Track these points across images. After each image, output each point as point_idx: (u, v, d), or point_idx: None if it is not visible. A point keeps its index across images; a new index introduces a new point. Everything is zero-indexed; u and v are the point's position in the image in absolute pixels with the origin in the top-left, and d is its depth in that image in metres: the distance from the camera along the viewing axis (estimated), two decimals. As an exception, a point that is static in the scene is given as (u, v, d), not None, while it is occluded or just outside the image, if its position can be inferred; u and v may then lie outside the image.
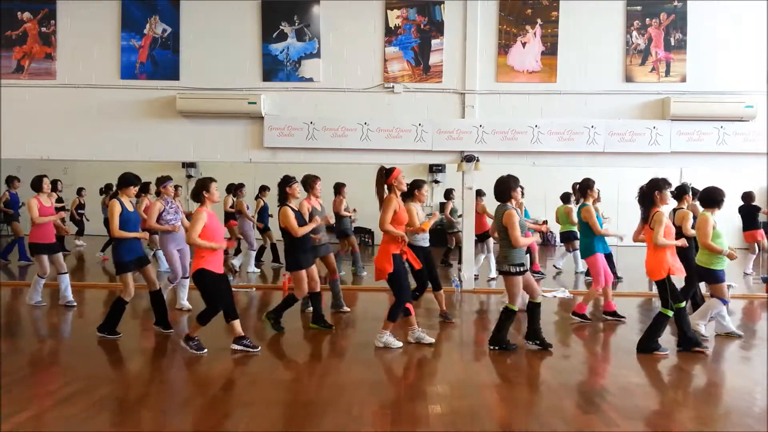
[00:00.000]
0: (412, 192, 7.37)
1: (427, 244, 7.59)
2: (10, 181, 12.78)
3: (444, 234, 13.27)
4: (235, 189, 12.34)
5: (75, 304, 8.39)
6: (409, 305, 6.29)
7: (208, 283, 5.81)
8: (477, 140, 10.70)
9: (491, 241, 11.28)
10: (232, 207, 12.52)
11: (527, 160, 10.69)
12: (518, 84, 10.79)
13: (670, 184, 6.27)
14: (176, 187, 9.79)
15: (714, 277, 6.55)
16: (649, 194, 6.17)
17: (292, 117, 10.76)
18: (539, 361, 6.02)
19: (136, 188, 6.93)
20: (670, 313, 6.10)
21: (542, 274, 11.87)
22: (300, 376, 5.50)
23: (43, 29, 10.95)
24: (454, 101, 10.83)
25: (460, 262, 11.86)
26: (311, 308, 7.32)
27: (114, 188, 6.94)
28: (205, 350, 5.97)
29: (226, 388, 5.05)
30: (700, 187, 7.14)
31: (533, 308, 6.34)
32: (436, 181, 17.17)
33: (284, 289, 10.08)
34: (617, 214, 11.45)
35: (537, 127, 10.60)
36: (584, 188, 7.92)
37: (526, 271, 6.26)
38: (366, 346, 6.44)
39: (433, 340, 6.47)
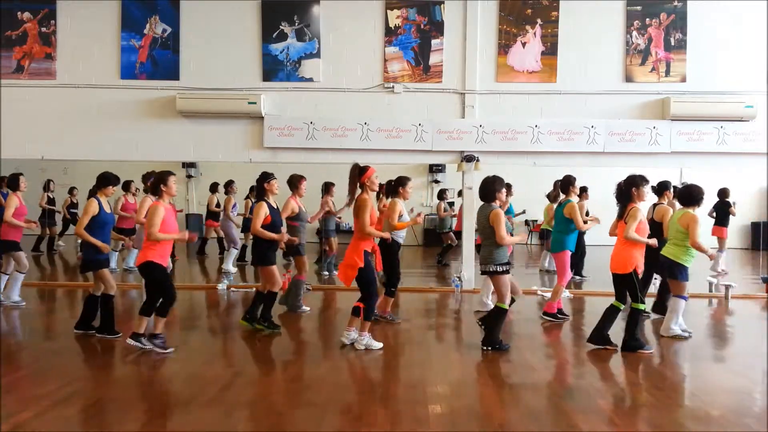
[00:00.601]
0: (396, 189, 7.38)
1: (401, 241, 7.63)
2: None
3: (437, 234, 13.28)
4: (226, 186, 12.28)
5: (23, 304, 8.27)
6: (361, 306, 6.22)
7: (157, 274, 5.82)
8: (477, 140, 10.70)
9: None
10: (217, 206, 12.46)
11: (527, 160, 10.70)
12: (518, 84, 10.79)
13: (647, 181, 6.32)
14: None
15: (680, 273, 6.54)
16: (627, 190, 6.23)
17: (292, 117, 10.76)
18: (539, 361, 6.02)
19: (115, 188, 6.87)
20: (642, 306, 6.14)
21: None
22: (300, 376, 5.50)
23: (43, 29, 10.95)
24: (454, 101, 10.83)
25: (440, 262, 11.89)
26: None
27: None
28: (171, 349, 5.96)
29: (226, 388, 5.04)
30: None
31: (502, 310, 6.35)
32: (436, 181, 17.16)
33: (284, 288, 10.07)
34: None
35: (537, 127, 10.60)
36: (566, 185, 7.89)
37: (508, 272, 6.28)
38: (356, 348, 6.42)
39: (381, 345, 6.39)
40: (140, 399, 4.83)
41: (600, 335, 6.24)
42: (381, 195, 9.11)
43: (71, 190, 14.85)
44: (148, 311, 5.93)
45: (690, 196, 6.58)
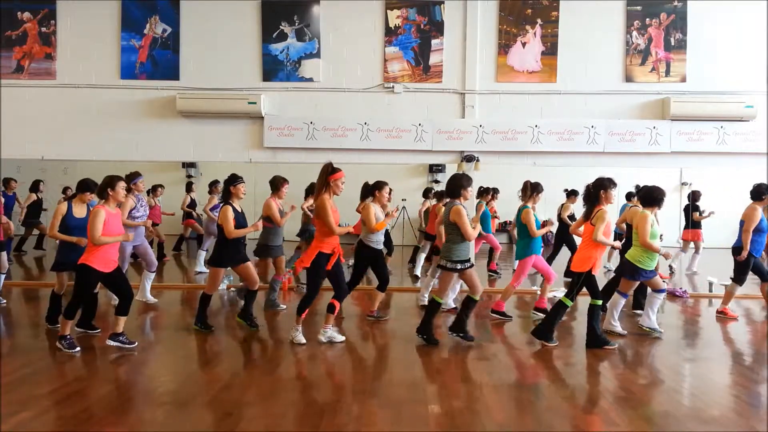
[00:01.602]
0: (372, 192, 7.35)
1: (380, 246, 7.56)
2: (7, 182, 12.79)
3: (419, 233, 13.27)
4: (210, 185, 12.22)
5: (4, 303, 8.26)
6: (336, 303, 6.25)
7: (87, 278, 5.84)
8: (477, 140, 10.71)
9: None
10: (189, 206, 12.38)
11: (527, 160, 10.71)
12: (518, 84, 10.80)
13: (615, 184, 6.37)
14: (159, 186, 9.81)
15: (633, 272, 6.58)
16: (595, 193, 6.27)
17: (292, 117, 10.77)
18: (539, 361, 6.02)
19: (92, 195, 6.89)
20: (570, 303, 6.22)
21: (498, 274, 11.77)
22: (300, 376, 5.50)
23: (43, 29, 10.96)
24: (454, 101, 10.84)
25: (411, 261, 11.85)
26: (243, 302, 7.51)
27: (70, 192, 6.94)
28: (78, 348, 5.96)
29: (226, 388, 5.05)
30: (702, 188, 7.17)
31: (468, 302, 6.37)
32: (437, 181, 17.16)
33: (284, 289, 10.07)
34: (616, 213, 11.47)
35: (537, 127, 10.61)
36: (532, 191, 7.74)
37: (471, 267, 6.28)
38: (365, 346, 6.44)
39: (343, 339, 6.44)
40: (140, 399, 4.83)
41: (545, 330, 6.29)
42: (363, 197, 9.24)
43: (65, 191, 14.87)
44: (72, 314, 5.98)
45: (650, 196, 6.61)
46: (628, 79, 10.78)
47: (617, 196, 7.65)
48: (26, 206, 11.75)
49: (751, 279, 11.41)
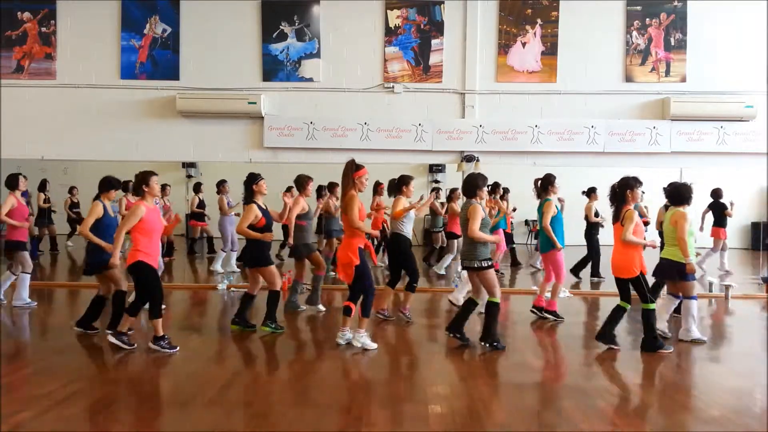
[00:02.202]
0: (399, 187, 7.43)
1: (410, 235, 7.60)
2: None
3: (429, 234, 13.26)
4: (218, 185, 12.21)
5: (35, 304, 8.25)
6: (351, 305, 6.21)
7: (147, 275, 5.83)
8: (477, 140, 10.72)
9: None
10: (199, 207, 12.38)
11: (527, 160, 10.71)
12: (518, 84, 10.81)
13: (641, 183, 6.32)
14: (167, 185, 9.80)
15: (686, 273, 6.52)
16: (621, 192, 6.22)
17: (292, 117, 10.77)
18: (540, 361, 6.02)
19: (117, 191, 6.93)
20: (653, 306, 6.13)
21: (501, 273, 11.73)
22: (300, 376, 5.50)
23: (43, 29, 10.96)
24: (454, 101, 10.84)
25: (438, 261, 11.84)
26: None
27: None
28: (135, 345, 5.98)
29: (226, 388, 5.04)
30: (702, 188, 7.17)
31: (469, 305, 6.35)
32: (437, 181, 17.18)
33: (284, 289, 10.02)
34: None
35: (537, 127, 10.62)
36: (545, 183, 7.83)
37: (492, 267, 6.28)
38: (359, 348, 6.42)
39: (375, 346, 6.38)
40: (140, 399, 4.83)
41: (606, 334, 6.23)
42: (376, 194, 9.25)
43: (71, 190, 14.86)
44: (156, 315, 5.97)
45: (678, 194, 6.59)
46: (628, 79, 10.79)
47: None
48: (41, 206, 11.75)
49: (752, 279, 11.39)
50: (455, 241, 10.52)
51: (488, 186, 6.48)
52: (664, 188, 7.90)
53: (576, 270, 10.76)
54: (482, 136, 10.70)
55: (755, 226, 15.64)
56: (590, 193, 10.81)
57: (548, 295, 8.70)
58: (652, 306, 6.11)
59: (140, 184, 5.95)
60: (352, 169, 6.14)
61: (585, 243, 10.75)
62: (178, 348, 6.02)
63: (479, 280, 6.34)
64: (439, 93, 10.81)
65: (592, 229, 10.77)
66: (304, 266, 7.94)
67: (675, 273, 6.52)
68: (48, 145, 10.97)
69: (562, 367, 5.93)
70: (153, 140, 10.91)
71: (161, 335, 6.01)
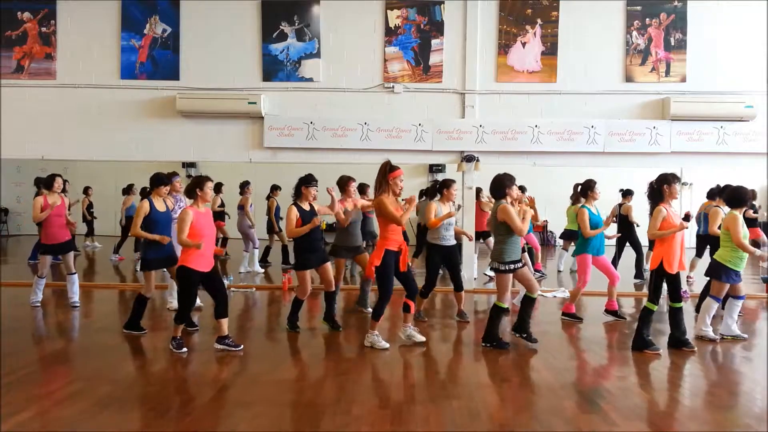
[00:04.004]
0: (441, 190, 7.61)
1: (452, 242, 7.61)
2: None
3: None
4: (242, 186, 12.25)
5: (78, 305, 8.34)
6: (410, 302, 6.31)
7: (192, 279, 5.84)
8: (477, 140, 10.71)
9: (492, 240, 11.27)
10: (220, 206, 12.43)
11: (527, 160, 10.70)
12: (518, 84, 10.80)
13: (678, 179, 6.28)
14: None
15: (724, 274, 6.51)
16: (659, 189, 6.20)
17: (292, 117, 10.76)
18: (540, 361, 6.01)
19: (167, 187, 7.04)
20: (655, 307, 6.16)
21: (543, 274, 11.84)
22: (300, 376, 5.50)
23: (43, 29, 10.95)
24: (454, 101, 10.83)
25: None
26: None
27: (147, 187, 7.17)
28: (185, 349, 6.02)
29: (226, 388, 5.05)
30: (702, 188, 7.19)
31: (527, 302, 6.37)
32: (436, 181, 17.17)
33: (284, 288, 10.10)
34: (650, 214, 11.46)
35: (537, 127, 10.61)
36: (585, 189, 7.93)
37: (522, 266, 6.28)
38: (366, 346, 6.44)
39: (423, 339, 6.47)
40: (141, 399, 4.83)
41: (640, 340, 6.22)
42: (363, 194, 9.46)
43: (86, 190, 14.83)
44: (182, 319, 6.01)
45: (736, 197, 6.58)
46: (628, 79, 10.79)
47: (608, 194, 7.71)
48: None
49: (752, 279, 11.42)
50: (490, 240, 10.63)
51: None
52: (720, 189, 7.98)
53: (638, 274, 11.02)
54: (482, 136, 10.71)
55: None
56: (626, 194, 10.92)
57: (550, 295, 8.68)
58: (654, 307, 6.13)
59: (194, 187, 5.99)
60: (387, 170, 6.11)
61: (628, 244, 10.93)
62: (242, 346, 6.11)
63: (518, 280, 6.34)
64: (439, 93, 10.81)
65: (630, 229, 10.95)
66: (342, 266, 7.85)
67: (723, 275, 6.51)
68: (48, 145, 10.96)
69: (561, 366, 5.92)
70: (153, 140, 10.91)
71: (178, 335, 6.05)
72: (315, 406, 4.56)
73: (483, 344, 6.28)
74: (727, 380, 5.49)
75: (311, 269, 6.82)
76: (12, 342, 6.40)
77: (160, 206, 6.80)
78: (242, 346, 6.15)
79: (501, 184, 6.25)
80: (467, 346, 6.64)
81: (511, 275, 6.18)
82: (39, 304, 8.33)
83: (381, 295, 6.14)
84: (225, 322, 6.13)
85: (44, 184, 8.42)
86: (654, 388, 5.27)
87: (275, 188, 12.31)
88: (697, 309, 7.58)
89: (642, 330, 6.15)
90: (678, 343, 6.22)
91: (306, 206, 6.87)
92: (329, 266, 7.03)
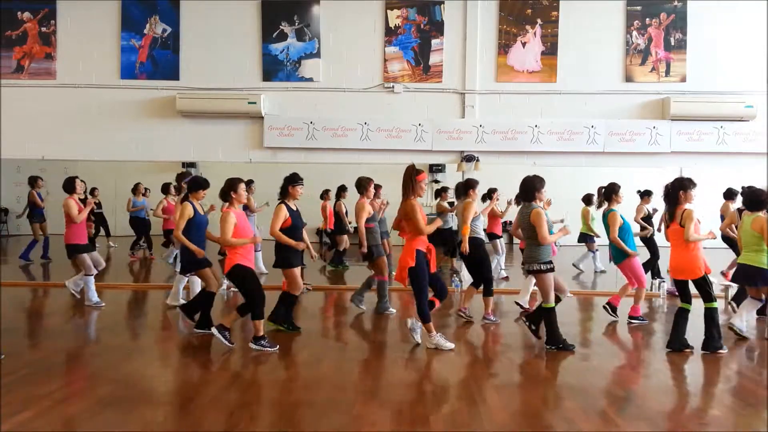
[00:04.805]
0: (466, 191, 7.53)
1: (482, 235, 7.55)
2: (34, 180, 12.74)
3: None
4: (247, 184, 12.19)
5: (103, 304, 8.31)
6: (437, 301, 6.28)
7: (246, 277, 5.88)
8: (477, 140, 10.71)
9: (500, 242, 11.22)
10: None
11: (527, 160, 10.70)
12: (518, 84, 10.81)
13: (695, 184, 6.29)
14: (169, 185, 9.81)
15: (762, 278, 6.49)
16: (674, 193, 6.21)
17: (292, 117, 10.77)
18: (540, 361, 6.01)
19: (205, 191, 7.02)
20: (716, 305, 6.12)
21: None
22: (300, 376, 5.50)
23: (43, 29, 10.96)
24: (454, 101, 10.84)
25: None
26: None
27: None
28: (277, 346, 6.01)
29: (226, 388, 5.04)
30: (702, 188, 7.16)
31: (547, 312, 6.35)
32: (436, 181, 17.15)
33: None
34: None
35: (537, 127, 10.61)
36: (609, 193, 7.84)
37: (553, 269, 6.27)
38: (366, 346, 6.44)
39: (453, 346, 6.36)
40: (140, 399, 4.83)
41: (677, 340, 6.19)
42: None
43: (92, 191, 14.82)
44: (245, 312, 6.03)
45: (755, 199, 6.56)
46: (628, 79, 10.79)
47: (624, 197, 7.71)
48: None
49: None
50: (497, 241, 10.64)
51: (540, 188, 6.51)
52: (741, 192, 7.96)
53: (652, 274, 10.98)
54: (482, 136, 10.71)
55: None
56: (644, 195, 10.93)
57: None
58: (715, 305, 6.10)
59: (228, 190, 6.02)
60: (413, 173, 6.10)
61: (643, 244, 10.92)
62: (278, 347, 6.09)
63: (538, 283, 6.32)
64: (439, 93, 10.81)
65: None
66: (383, 265, 7.79)
67: (757, 278, 6.49)
68: (48, 145, 10.97)
69: (561, 366, 5.93)
70: (153, 140, 10.92)
71: (261, 335, 6.06)
72: (315, 406, 4.56)
73: (547, 347, 6.23)
74: (724, 380, 5.50)
75: (297, 267, 6.85)
76: (12, 342, 6.40)
77: (200, 209, 6.84)
78: (278, 347, 6.13)
79: (531, 187, 6.23)
80: (467, 346, 6.64)
81: (551, 274, 6.17)
82: (102, 303, 8.27)
83: (419, 295, 6.09)
84: (261, 323, 6.10)
85: (65, 188, 8.45)
86: (654, 388, 5.27)
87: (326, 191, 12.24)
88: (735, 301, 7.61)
89: (713, 331, 6.11)
90: (713, 345, 6.18)
91: (293, 206, 6.88)
92: (297, 271, 7.03)
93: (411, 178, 6.07)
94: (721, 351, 6.09)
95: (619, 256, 7.59)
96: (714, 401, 4.95)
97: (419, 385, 5.22)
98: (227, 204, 6.03)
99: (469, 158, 10.57)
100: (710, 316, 6.11)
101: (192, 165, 14.96)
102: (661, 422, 4.46)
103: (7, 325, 7.23)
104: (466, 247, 6.96)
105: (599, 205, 8.04)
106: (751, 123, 10.53)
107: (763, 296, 6.68)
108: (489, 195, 12.01)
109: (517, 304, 7.79)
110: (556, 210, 13.02)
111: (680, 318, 6.20)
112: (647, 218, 11.23)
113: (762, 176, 11.51)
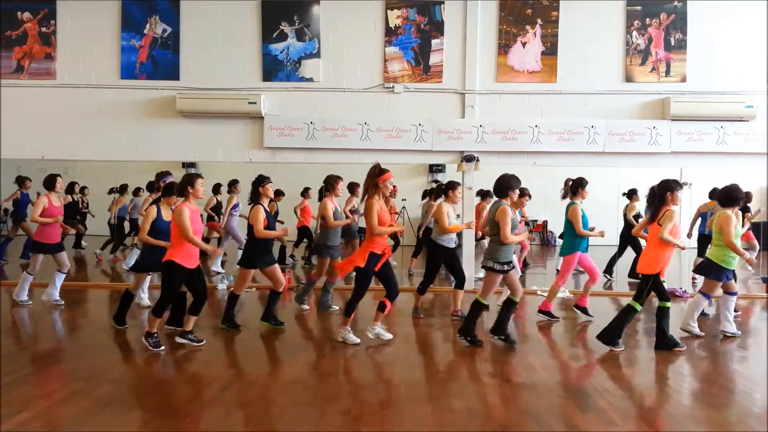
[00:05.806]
0: (446, 192, 7.65)
1: (453, 245, 7.72)
2: (22, 181, 12.76)
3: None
4: (229, 185, 12.22)
5: (62, 303, 8.38)
6: (387, 302, 6.33)
7: (177, 275, 5.90)
8: (477, 140, 10.70)
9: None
10: (213, 209, 12.37)
11: (527, 160, 10.69)
12: (518, 84, 10.79)
13: (681, 186, 6.34)
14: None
15: (714, 272, 6.57)
16: (661, 194, 6.25)
17: (292, 117, 10.76)
18: (539, 361, 6.02)
19: (177, 198, 7.04)
20: (639, 308, 6.23)
21: (522, 273, 11.84)
22: (300, 376, 5.49)
23: (43, 29, 10.95)
24: (454, 101, 10.83)
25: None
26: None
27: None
28: (163, 347, 6.06)
29: (225, 388, 5.04)
30: (702, 188, 7.21)
31: (509, 305, 6.39)
32: (436, 181, 17.13)
33: (284, 288, 10.01)
34: (617, 214, 11.46)
35: (537, 127, 10.60)
36: (576, 186, 7.92)
37: (512, 269, 6.32)
38: (365, 346, 6.44)
39: (390, 336, 6.50)
40: (140, 399, 4.83)
41: (663, 341, 6.24)
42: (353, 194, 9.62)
43: (83, 190, 14.80)
44: (196, 311, 6.08)
45: (728, 196, 6.62)
46: (628, 79, 10.78)
47: (615, 197, 7.69)
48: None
49: (753, 279, 11.39)
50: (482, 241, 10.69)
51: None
52: (715, 190, 8.01)
53: (609, 270, 10.99)
54: (482, 136, 10.70)
55: (755, 226, 15.64)
56: (631, 194, 10.93)
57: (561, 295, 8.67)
58: (668, 304, 6.17)
59: (186, 185, 6.06)
60: (376, 173, 6.16)
61: (618, 243, 10.91)
62: (204, 341, 6.13)
63: (505, 283, 6.38)
64: (439, 93, 10.81)
65: (631, 229, 10.95)
66: (323, 267, 7.96)
67: (711, 271, 6.57)
68: (48, 145, 10.97)
69: (561, 366, 5.92)
70: (153, 140, 10.92)
71: (153, 332, 6.09)
72: (314, 406, 4.56)
73: (459, 336, 6.35)
74: (724, 380, 5.49)
75: (263, 269, 6.92)
76: (12, 342, 6.40)
77: (167, 215, 6.82)
78: (204, 341, 6.19)
79: (506, 185, 6.27)
80: (465, 345, 6.64)
81: (501, 276, 6.23)
82: (30, 302, 8.38)
83: (356, 295, 6.22)
84: (193, 319, 6.22)
85: (46, 185, 8.53)
86: (654, 388, 5.27)
87: (278, 193, 12.24)
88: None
89: (665, 329, 6.16)
90: (667, 343, 6.24)
91: (267, 207, 6.98)
92: (278, 266, 7.09)
93: (371, 178, 6.15)
94: (677, 348, 6.17)
95: (566, 249, 7.64)
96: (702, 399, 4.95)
97: (418, 384, 5.22)
98: (182, 199, 6.06)
99: (469, 158, 10.57)
100: (662, 314, 6.20)
101: (192, 165, 14.92)
102: (659, 421, 4.46)
103: (7, 324, 7.23)
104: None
105: (564, 196, 8.04)
106: (751, 123, 10.53)
107: (713, 294, 6.77)
108: (487, 195, 11.97)
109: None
110: (555, 210, 13.01)
111: (661, 318, 6.24)
112: (638, 216, 11.22)
113: (762, 176, 11.51)
